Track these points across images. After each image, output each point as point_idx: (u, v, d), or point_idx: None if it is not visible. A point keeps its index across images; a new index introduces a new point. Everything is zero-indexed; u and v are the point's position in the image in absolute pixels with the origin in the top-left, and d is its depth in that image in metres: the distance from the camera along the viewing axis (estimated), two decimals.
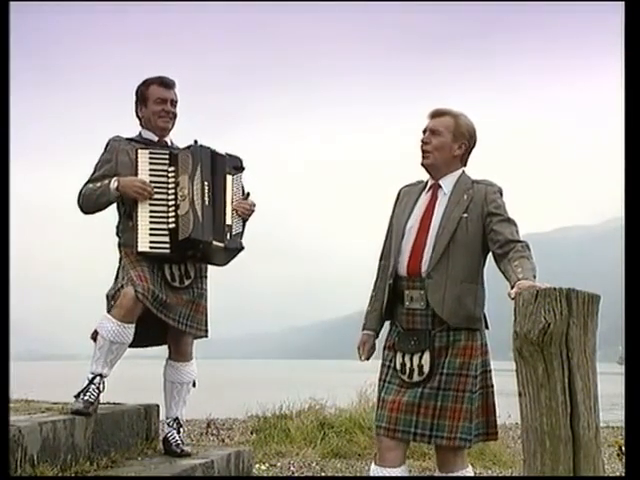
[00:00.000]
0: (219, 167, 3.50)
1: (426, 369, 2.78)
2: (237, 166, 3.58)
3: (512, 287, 2.47)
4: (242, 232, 3.58)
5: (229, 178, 3.53)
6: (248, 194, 3.60)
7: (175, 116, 3.59)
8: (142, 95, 3.55)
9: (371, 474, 2.84)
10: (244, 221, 3.58)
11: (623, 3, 2.58)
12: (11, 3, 2.89)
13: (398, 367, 2.84)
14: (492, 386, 2.88)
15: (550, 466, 2.01)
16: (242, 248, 3.58)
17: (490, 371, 2.88)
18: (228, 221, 3.49)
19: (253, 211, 3.60)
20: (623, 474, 4.94)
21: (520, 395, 2.08)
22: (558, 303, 2.02)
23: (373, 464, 2.85)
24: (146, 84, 3.55)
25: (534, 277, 2.55)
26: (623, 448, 5.21)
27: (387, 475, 2.77)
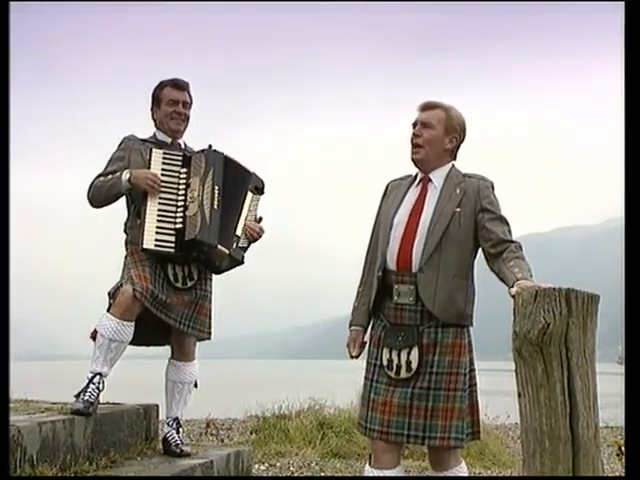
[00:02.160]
0: (239, 178, 3.52)
1: (414, 365, 2.74)
2: (259, 187, 3.60)
3: (511, 286, 2.46)
4: (246, 248, 3.59)
5: (249, 195, 3.56)
6: (261, 218, 3.62)
7: (187, 118, 3.61)
8: (156, 97, 3.59)
9: (365, 476, 2.82)
10: (250, 241, 3.59)
11: (623, 3, 2.58)
12: (11, 3, 2.89)
13: (385, 363, 2.79)
14: (476, 384, 2.86)
15: (549, 466, 2.01)
16: (242, 262, 3.58)
17: (474, 370, 2.87)
18: (238, 232, 3.50)
19: (260, 236, 3.60)
20: (622, 474, 4.94)
21: (519, 395, 2.08)
22: (557, 303, 2.02)
23: (367, 466, 2.83)
24: (160, 86, 3.58)
25: (531, 277, 2.54)
26: (623, 448, 5.21)
27: (383, 476, 2.75)
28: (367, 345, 2.94)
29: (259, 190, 3.61)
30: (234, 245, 3.49)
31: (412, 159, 2.92)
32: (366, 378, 2.88)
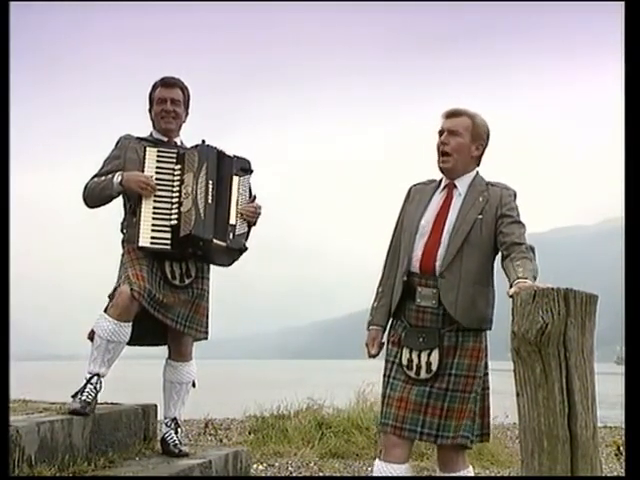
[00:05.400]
0: (225, 167, 3.51)
1: (434, 367, 2.79)
2: (245, 168, 3.58)
3: (511, 286, 2.48)
4: (247, 233, 3.57)
5: (235, 179, 3.54)
6: (254, 197, 3.60)
7: (178, 115, 3.58)
8: (150, 97, 3.61)
9: (375, 469, 2.86)
10: (250, 223, 3.58)
11: (623, 3, 2.58)
12: (11, 3, 2.85)
13: (405, 363, 2.84)
14: (489, 388, 2.91)
15: (548, 466, 2.01)
16: (245, 249, 3.57)
17: (488, 373, 2.92)
18: (232, 221, 3.49)
19: (259, 214, 3.59)
20: (621, 474, 4.95)
21: (518, 395, 2.09)
22: (556, 303, 2.02)
23: (377, 460, 2.87)
24: (153, 87, 3.60)
25: (534, 278, 2.55)
26: (621, 448, 5.21)
27: (391, 474, 2.78)
28: (386, 344, 2.98)
29: (246, 170, 3.58)
30: (230, 236, 3.47)
31: (440, 167, 2.95)
32: (384, 375, 2.92)
